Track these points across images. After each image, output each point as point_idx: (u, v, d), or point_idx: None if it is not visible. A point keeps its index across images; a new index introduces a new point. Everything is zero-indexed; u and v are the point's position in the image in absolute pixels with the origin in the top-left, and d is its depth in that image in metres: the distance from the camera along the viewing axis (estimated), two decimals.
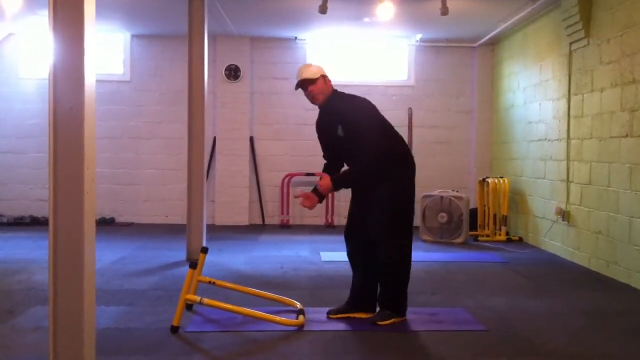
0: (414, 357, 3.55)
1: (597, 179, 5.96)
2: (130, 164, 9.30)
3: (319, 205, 4.18)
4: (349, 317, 4.16)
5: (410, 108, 9.35)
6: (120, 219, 9.24)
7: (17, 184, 9.18)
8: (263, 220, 9.30)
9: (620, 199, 5.52)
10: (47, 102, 2.90)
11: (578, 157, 6.38)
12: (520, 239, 7.84)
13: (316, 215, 8.98)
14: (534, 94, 7.59)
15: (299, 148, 9.21)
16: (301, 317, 4.06)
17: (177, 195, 9.08)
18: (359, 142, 3.94)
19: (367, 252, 4.13)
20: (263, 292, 4.53)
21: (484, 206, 8.17)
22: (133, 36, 9.23)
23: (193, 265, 4.07)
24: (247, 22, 8.26)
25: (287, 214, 9.11)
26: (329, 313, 4.21)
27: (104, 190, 8.93)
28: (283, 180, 9.17)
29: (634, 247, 5.28)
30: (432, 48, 9.32)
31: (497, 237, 7.86)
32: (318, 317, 4.18)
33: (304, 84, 4.11)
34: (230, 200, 9.18)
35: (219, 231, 8.31)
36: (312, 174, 8.78)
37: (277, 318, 3.98)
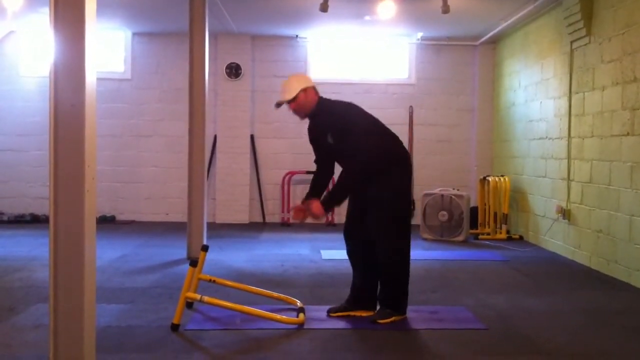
0: (414, 355, 3.56)
1: (598, 177, 5.96)
2: (131, 162, 9.30)
3: None
4: (349, 316, 4.16)
5: (411, 106, 9.34)
6: (121, 217, 9.24)
7: (17, 182, 9.19)
8: (264, 218, 9.31)
9: (621, 198, 5.51)
10: (48, 100, 2.90)
11: (579, 156, 6.37)
12: (521, 238, 7.84)
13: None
14: (535, 93, 7.58)
15: (300, 146, 9.19)
16: (301, 315, 4.06)
17: (178, 193, 9.07)
18: (347, 148, 3.97)
19: (366, 252, 4.14)
20: (263, 290, 4.53)
21: (485, 204, 8.17)
22: (134, 34, 9.22)
23: (193, 263, 4.07)
24: (248, 20, 8.25)
25: (288, 212, 9.10)
26: (329, 311, 4.21)
27: (104, 188, 8.93)
28: (284, 178, 9.17)
29: (634, 246, 5.27)
30: (433, 46, 9.31)
31: (498, 236, 7.85)
32: (318, 315, 4.18)
33: (287, 104, 4.10)
34: (230, 198, 9.18)
35: (219, 229, 8.32)
36: (313, 172, 8.76)
37: (278, 316, 3.99)
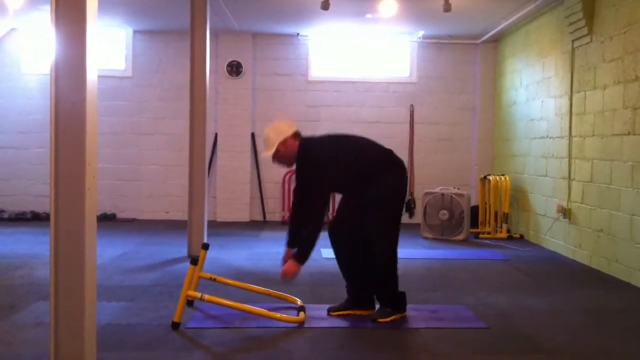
0: (415, 354, 3.56)
1: (598, 176, 5.95)
2: (131, 160, 9.30)
3: None
4: (349, 315, 4.16)
5: (412, 105, 9.33)
6: (121, 214, 9.25)
7: (18, 180, 9.19)
8: (264, 216, 9.30)
9: (621, 197, 5.51)
10: (49, 97, 2.89)
11: (580, 155, 6.36)
12: (522, 237, 7.83)
13: None
14: (537, 91, 7.58)
15: None
16: (302, 314, 4.07)
17: (179, 191, 9.07)
18: (310, 195, 3.98)
19: (355, 253, 4.14)
20: (264, 289, 4.53)
21: (485, 203, 8.16)
22: (135, 32, 9.21)
23: (194, 261, 4.07)
24: (249, 18, 8.24)
25: (288, 210, 9.10)
26: (329, 310, 4.21)
27: (105, 186, 8.93)
28: (284, 177, 9.16)
29: (635, 245, 5.27)
30: (435, 45, 9.30)
31: (498, 235, 7.85)
32: (319, 313, 4.19)
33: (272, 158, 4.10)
34: (231, 197, 9.18)
35: (220, 227, 8.32)
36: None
37: (278, 315, 3.99)
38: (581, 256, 6.28)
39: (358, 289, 4.20)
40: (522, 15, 7.45)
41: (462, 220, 7.64)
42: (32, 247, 6.61)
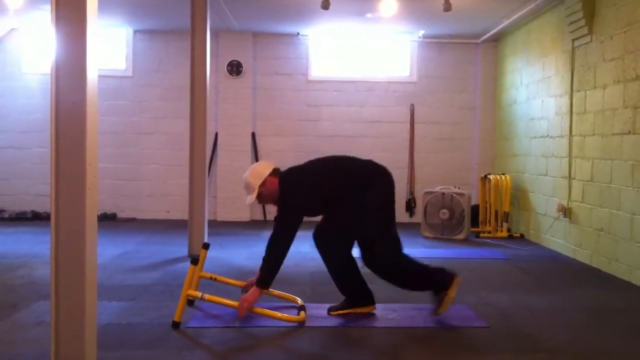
0: (415, 353, 3.56)
1: (599, 176, 5.95)
2: (132, 160, 9.30)
3: None
4: (349, 314, 4.16)
5: (412, 104, 9.33)
6: (122, 214, 9.25)
7: (19, 179, 9.19)
8: (264, 216, 9.31)
9: (622, 196, 5.51)
10: (49, 97, 2.90)
11: (580, 154, 6.36)
12: (522, 236, 7.83)
13: None
14: (537, 91, 7.57)
15: (301, 144, 9.20)
16: (302, 313, 4.07)
17: (179, 191, 9.08)
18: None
19: (339, 252, 4.16)
20: None
21: (486, 203, 8.17)
22: (135, 31, 9.22)
23: (194, 261, 4.08)
24: (249, 17, 8.24)
25: None
26: (329, 310, 4.21)
27: (106, 186, 8.94)
28: None
29: (635, 245, 5.27)
30: (435, 44, 9.30)
31: (499, 234, 7.85)
32: (319, 312, 4.19)
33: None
34: (232, 196, 9.18)
35: (220, 227, 8.32)
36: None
37: (279, 314, 3.99)
38: (582, 255, 6.28)
39: (352, 288, 4.21)
40: (522, 15, 7.45)
41: (462, 220, 7.64)
42: (33, 247, 6.61)
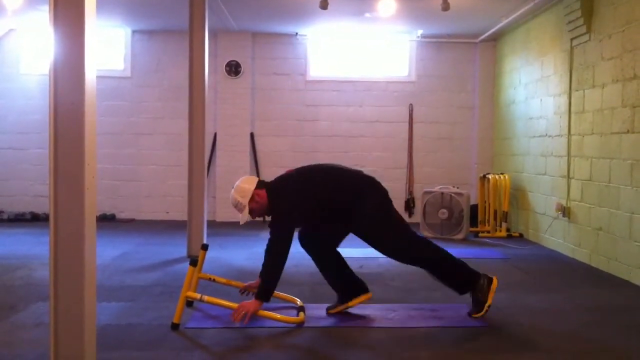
0: (415, 352, 3.55)
1: (597, 175, 5.96)
2: (131, 160, 9.29)
3: None
4: (347, 310, 4.17)
5: (411, 104, 9.33)
6: (121, 215, 9.24)
7: (18, 180, 9.19)
8: (264, 216, 9.29)
9: (621, 195, 5.51)
10: (48, 98, 2.89)
11: (579, 153, 6.37)
12: (521, 235, 7.84)
13: None
14: (535, 90, 7.58)
15: (300, 144, 9.20)
16: (302, 314, 4.07)
17: (178, 191, 9.07)
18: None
19: (325, 250, 4.23)
20: None
21: (485, 202, 8.17)
22: (134, 32, 9.21)
23: (193, 262, 4.07)
24: (248, 17, 8.24)
25: None
26: (327, 309, 4.22)
27: (104, 187, 8.93)
28: None
29: (634, 244, 5.27)
30: (434, 44, 9.30)
31: (498, 234, 7.85)
32: (318, 313, 4.19)
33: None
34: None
35: (219, 227, 8.32)
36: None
37: (278, 315, 3.99)
38: (580, 254, 6.29)
39: (341, 282, 4.22)
40: (521, 14, 7.45)
41: (461, 219, 7.65)
42: (32, 248, 6.61)
